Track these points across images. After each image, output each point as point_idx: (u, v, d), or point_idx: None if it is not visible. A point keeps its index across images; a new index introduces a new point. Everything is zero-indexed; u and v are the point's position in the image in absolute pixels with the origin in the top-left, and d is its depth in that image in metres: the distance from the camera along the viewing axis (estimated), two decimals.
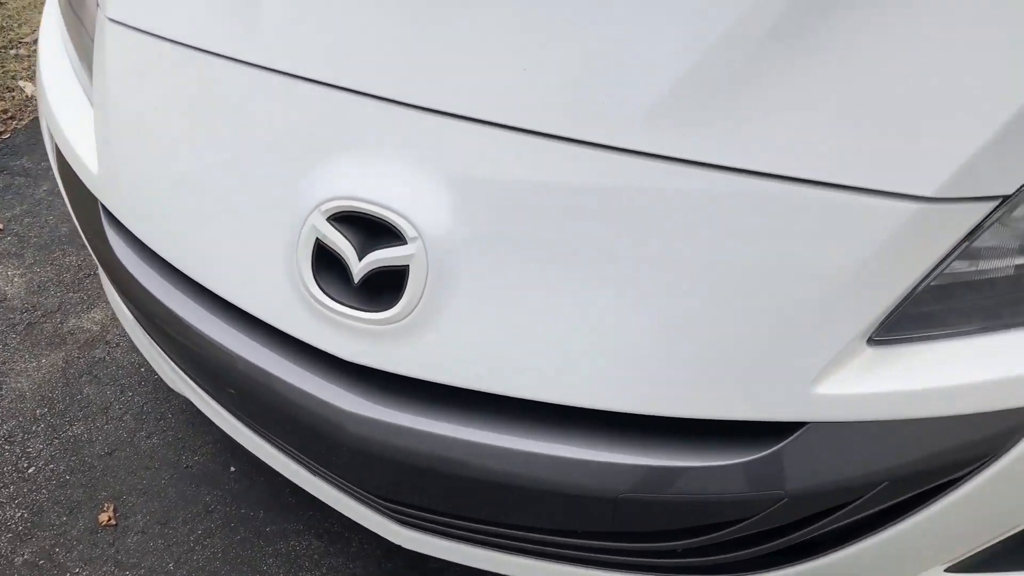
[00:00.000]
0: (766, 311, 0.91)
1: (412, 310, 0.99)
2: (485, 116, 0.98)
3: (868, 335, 0.92)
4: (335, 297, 1.02)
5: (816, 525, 1.03)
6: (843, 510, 0.99)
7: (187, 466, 1.93)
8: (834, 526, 1.03)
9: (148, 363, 2.19)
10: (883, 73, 0.89)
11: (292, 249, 1.04)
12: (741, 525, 1.01)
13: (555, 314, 0.95)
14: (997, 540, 1.09)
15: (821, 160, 0.89)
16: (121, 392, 2.12)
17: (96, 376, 2.16)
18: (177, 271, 1.23)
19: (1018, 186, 0.88)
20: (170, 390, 2.11)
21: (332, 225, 1.00)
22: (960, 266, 0.92)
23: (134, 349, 2.24)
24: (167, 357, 1.49)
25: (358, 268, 0.99)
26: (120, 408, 2.08)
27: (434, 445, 1.03)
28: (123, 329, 2.31)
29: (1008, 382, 0.91)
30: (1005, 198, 0.89)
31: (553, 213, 0.95)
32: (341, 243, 1.00)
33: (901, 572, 1.14)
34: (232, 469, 1.91)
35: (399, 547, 1.69)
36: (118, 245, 1.31)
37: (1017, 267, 0.94)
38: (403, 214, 0.97)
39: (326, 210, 1.00)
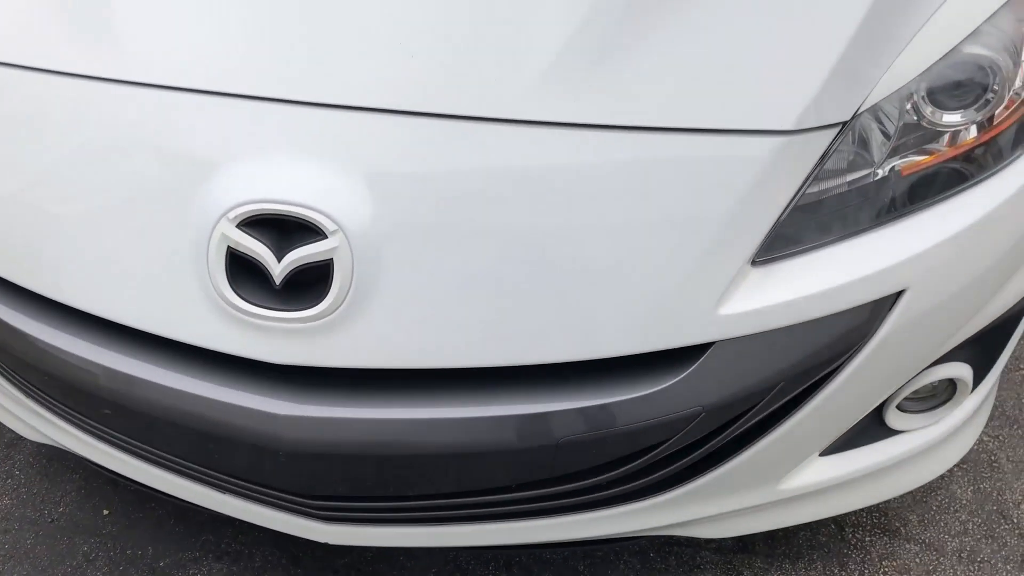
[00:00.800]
0: (673, 254, 1.02)
1: (343, 301, 1.00)
2: (382, 104, 1.01)
3: (751, 258, 1.06)
4: (257, 303, 1.02)
5: (723, 435, 1.15)
6: (746, 416, 1.13)
7: (52, 520, 1.79)
8: (736, 433, 1.16)
9: None
10: (737, 29, 1.02)
11: (201, 261, 1.02)
12: (665, 446, 1.12)
13: (487, 282, 1.01)
14: (858, 420, 1.27)
15: (702, 110, 1.01)
16: None
17: None
18: (51, 309, 1.16)
19: (852, 113, 1.05)
20: (10, 446, 1.95)
21: (243, 231, 1.00)
22: (813, 188, 1.07)
23: None
24: (32, 402, 1.39)
25: (278, 270, 0.99)
26: None
27: (383, 431, 1.05)
28: None
29: (861, 280, 1.08)
30: (844, 124, 1.05)
31: (463, 188, 1.01)
32: (257, 247, 0.99)
33: (786, 467, 1.30)
34: (105, 512, 1.80)
35: (307, 552, 1.69)
36: None
37: (849, 183, 1.10)
38: (319, 209, 0.98)
39: (235, 216, 0.99)
